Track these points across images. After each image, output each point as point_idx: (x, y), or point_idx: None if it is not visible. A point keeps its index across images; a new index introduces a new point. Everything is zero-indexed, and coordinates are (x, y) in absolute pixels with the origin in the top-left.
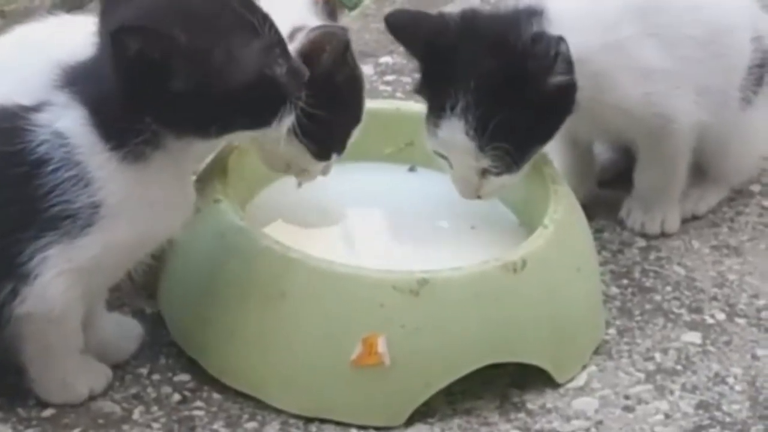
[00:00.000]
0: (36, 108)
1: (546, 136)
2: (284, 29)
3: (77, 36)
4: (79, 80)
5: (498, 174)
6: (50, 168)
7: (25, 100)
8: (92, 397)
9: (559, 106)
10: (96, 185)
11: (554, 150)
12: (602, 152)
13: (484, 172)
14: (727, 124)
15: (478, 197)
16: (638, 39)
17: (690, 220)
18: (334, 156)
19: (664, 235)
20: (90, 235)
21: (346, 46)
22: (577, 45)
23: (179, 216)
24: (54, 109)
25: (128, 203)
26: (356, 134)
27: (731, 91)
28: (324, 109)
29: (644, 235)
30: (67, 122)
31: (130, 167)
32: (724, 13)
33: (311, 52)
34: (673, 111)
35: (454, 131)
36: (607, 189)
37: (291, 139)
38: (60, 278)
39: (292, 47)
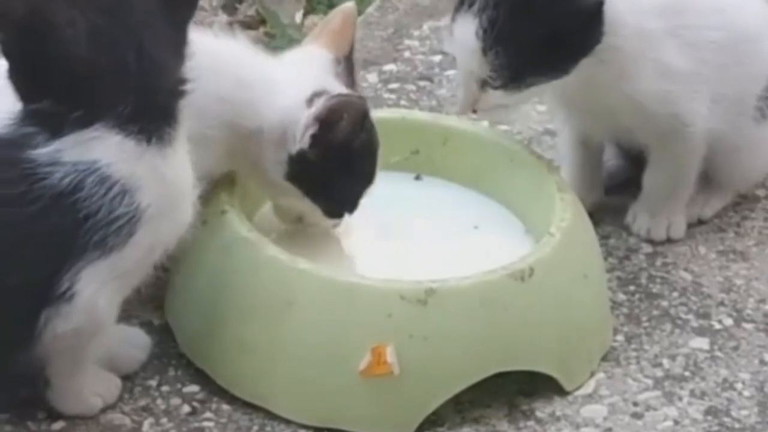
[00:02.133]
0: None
1: (552, 68)
2: (305, 90)
3: None
4: (84, 96)
5: (495, 87)
6: (83, 196)
7: None
8: (102, 409)
9: (578, 35)
10: (141, 191)
11: (563, 157)
12: (609, 158)
13: (483, 84)
14: (740, 133)
15: (474, 112)
16: (661, 35)
17: (696, 226)
18: (348, 215)
19: (670, 240)
20: (135, 240)
21: (364, 115)
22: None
23: (194, 192)
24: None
25: (168, 192)
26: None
27: (748, 101)
28: (339, 172)
29: (650, 241)
30: (91, 149)
31: (165, 153)
32: (749, 20)
33: (329, 119)
34: (688, 113)
35: (466, 28)
36: (614, 196)
37: (304, 198)
38: (104, 289)
39: (311, 112)
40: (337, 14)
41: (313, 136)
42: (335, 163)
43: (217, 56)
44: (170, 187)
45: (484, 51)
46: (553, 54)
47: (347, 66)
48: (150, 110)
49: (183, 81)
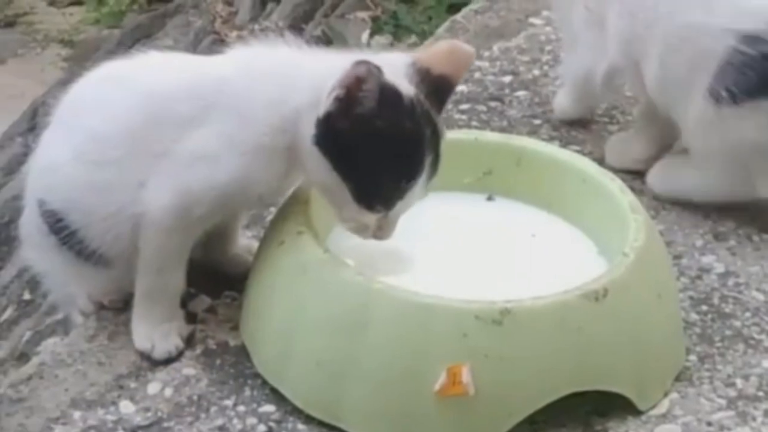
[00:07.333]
0: None
1: None
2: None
3: (165, 73)
4: None
5: None
6: None
7: (113, 138)
8: (179, 428)
9: None
10: None
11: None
12: None
13: None
14: None
15: None
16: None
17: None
18: (382, 210)
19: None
20: None
21: (380, 86)
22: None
23: None
24: None
25: None
26: (414, 196)
27: None
28: (367, 150)
29: (720, 261)
30: None
31: None
32: None
33: (349, 86)
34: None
35: None
36: (689, 210)
37: (332, 173)
38: None
39: (337, 78)
40: (445, 43)
41: (338, 99)
42: (362, 138)
43: (262, 62)
44: None
45: None
46: None
47: (427, 75)
48: None
49: None
